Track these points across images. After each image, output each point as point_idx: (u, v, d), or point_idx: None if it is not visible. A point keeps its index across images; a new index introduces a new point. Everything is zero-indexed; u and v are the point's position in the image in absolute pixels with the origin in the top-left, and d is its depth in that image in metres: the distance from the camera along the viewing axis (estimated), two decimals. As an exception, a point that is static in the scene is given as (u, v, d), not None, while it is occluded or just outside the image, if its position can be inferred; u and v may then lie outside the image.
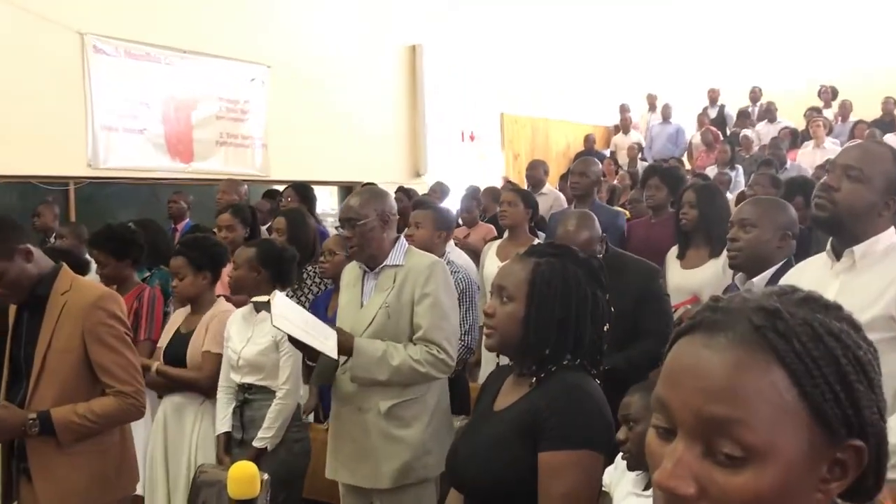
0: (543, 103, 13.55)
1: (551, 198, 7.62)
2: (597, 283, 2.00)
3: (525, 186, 8.85)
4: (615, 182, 10.25)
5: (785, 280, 2.51)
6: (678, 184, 4.98)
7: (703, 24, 15.16)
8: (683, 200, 4.18)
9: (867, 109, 11.68)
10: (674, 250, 4.31)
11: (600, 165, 5.46)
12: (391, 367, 2.96)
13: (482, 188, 9.63)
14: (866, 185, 2.26)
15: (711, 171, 9.77)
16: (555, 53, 13.67)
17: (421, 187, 9.99)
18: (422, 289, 3.03)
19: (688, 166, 12.07)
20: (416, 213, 4.40)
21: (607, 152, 13.78)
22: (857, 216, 2.27)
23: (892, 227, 2.33)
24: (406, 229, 4.31)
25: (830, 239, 2.37)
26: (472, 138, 12.30)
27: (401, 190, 8.01)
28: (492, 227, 6.59)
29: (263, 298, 2.90)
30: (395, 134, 11.09)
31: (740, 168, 10.18)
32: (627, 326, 3.26)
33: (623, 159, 12.69)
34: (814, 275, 2.38)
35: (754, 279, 2.88)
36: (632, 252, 3.93)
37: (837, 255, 2.34)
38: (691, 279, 4.04)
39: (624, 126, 13.76)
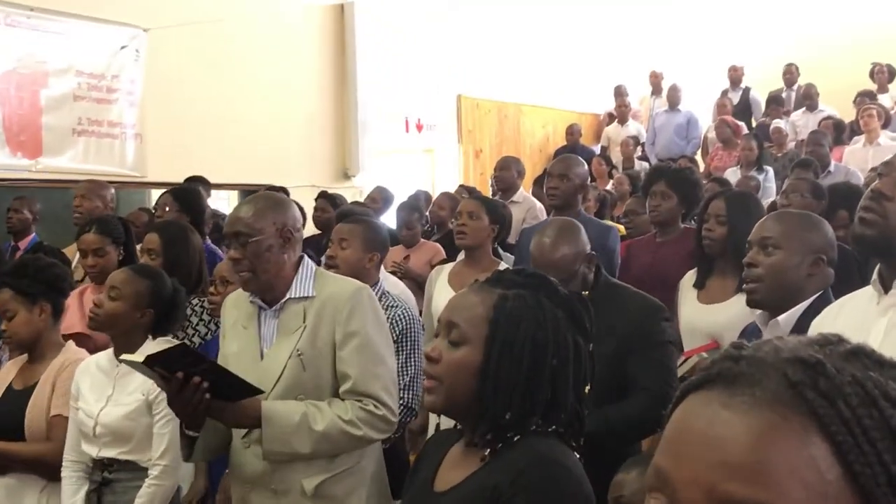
0: (514, 83, 13.69)
1: (525, 207, 7.68)
2: (578, 328, 1.99)
3: (490, 192, 8.91)
4: (608, 187, 10.37)
5: (820, 320, 2.53)
6: (692, 191, 5.06)
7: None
8: (709, 213, 4.26)
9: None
10: (690, 277, 4.36)
11: (586, 166, 5.52)
12: (315, 435, 2.95)
13: (431, 195, 9.73)
14: None
15: (732, 175, 9.93)
16: (530, 18, 13.84)
17: (350, 193, 10.01)
18: (345, 326, 3.04)
19: (701, 167, 12.26)
20: (340, 227, 4.40)
21: (597, 148, 13.95)
22: None
23: None
24: (328, 250, 4.29)
25: (878, 265, 2.40)
26: (419, 128, 12.36)
27: (323, 197, 8.00)
28: (438, 247, 6.65)
29: (133, 357, 2.81)
30: (315, 122, 11.09)
31: (770, 170, 10.37)
32: (611, 379, 3.27)
33: (617, 157, 12.87)
34: (855, 312, 2.40)
35: (779, 318, 2.92)
36: (629, 282, 3.95)
37: (886, 286, 2.35)
38: (712, 318, 4.09)
39: (620, 114, 13.98)
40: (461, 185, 10.06)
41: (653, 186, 5.13)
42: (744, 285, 3.05)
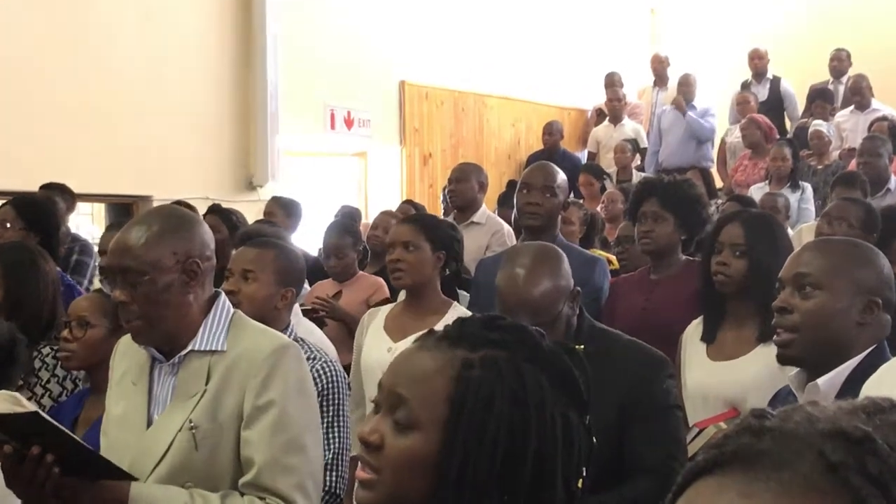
0: (476, 67, 13.75)
1: (488, 230, 7.69)
2: (571, 399, 1.96)
3: (442, 210, 8.94)
4: (598, 207, 10.40)
5: (873, 383, 2.56)
6: (692, 210, 5.08)
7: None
8: (722, 241, 4.30)
9: None
10: (695, 329, 4.39)
11: (563, 177, 5.55)
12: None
13: (363, 212, 9.73)
14: None
15: (758, 193, 10.00)
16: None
17: (255, 208, 9.94)
18: (257, 396, 3.00)
19: (719, 182, 12.37)
20: (243, 253, 4.40)
21: (583, 154, 14.02)
22: None
23: None
24: (225, 283, 4.27)
25: None
26: (348, 124, 12.35)
27: (214, 212, 7.95)
28: (380, 281, 6.63)
29: None
30: (209, 115, 11.05)
31: (808, 187, 10.47)
32: (605, 455, 3.27)
33: (610, 166, 12.92)
34: None
35: (819, 380, 2.93)
36: (620, 328, 3.93)
37: None
38: (729, 378, 4.12)
39: (612, 111, 14.08)
40: (406, 201, 10.05)
41: (642, 206, 5.15)
42: (774, 336, 3.05)
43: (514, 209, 5.65)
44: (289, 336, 4.11)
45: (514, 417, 1.87)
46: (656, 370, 3.56)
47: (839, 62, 13.65)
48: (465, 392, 1.87)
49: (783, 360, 3.06)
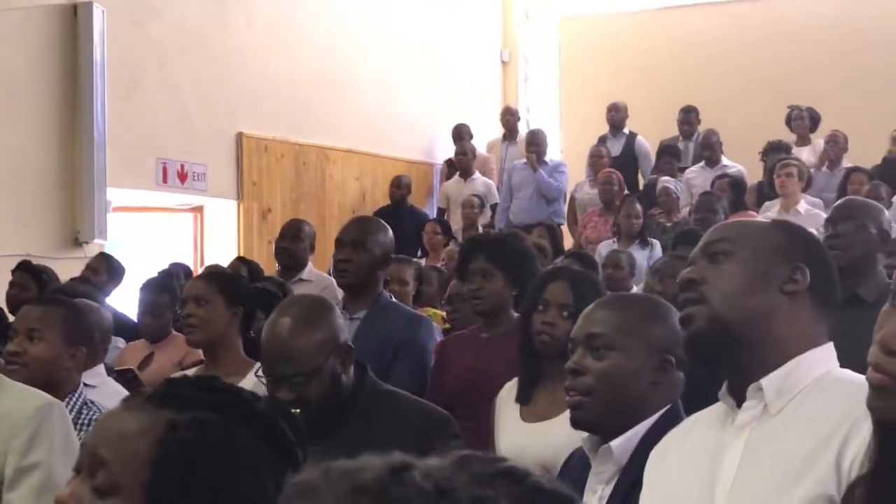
0: (318, 118, 13.75)
1: (317, 287, 7.75)
2: (285, 461, 1.91)
3: (275, 267, 8.88)
4: (439, 263, 10.44)
5: (663, 446, 2.63)
6: (523, 265, 5.10)
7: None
8: (548, 299, 4.30)
9: (874, 145, 12.62)
10: (511, 388, 4.40)
11: (391, 233, 5.56)
12: None
13: (195, 270, 9.62)
14: (739, 265, 2.51)
15: (606, 250, 10.13)
16: (341, 27, 13.99)
17: (82, 265, 9.78)
18: (20, 457, 2.99)
19: (569, 238, 12.51)
20: (28, 312, 4.34)
21: (432, 209, 14.07)
22: (752, 324, 2.48)
23: (827, 346, 2.53)
24: (10, 343, 4.23)
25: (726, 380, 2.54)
26: (182, 177, 12.24)
27: (23, 269, 7.83)
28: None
29: None
30: (29, 165, 10.84)
31: (657, 244, 10.63)
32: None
33: (458, 222, 12.99)
34: (706, 434, 2.52)
35: (612, 443, 2.97)
36: (444, 393, 3.91)
37: (738, 399, 2.49)
38: (542, 441, 4.13)
39: (462, 164, 14.14)
40: (238, 258, 9.98)
41: (469, 264, 5.17)
42: (566, 398, 3.08)
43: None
44: (77, 398, 4.08)
45: (222, 482, 1.84)
46: (438, 430, 3.57)
47: (687, 117, 13.95)
48: (167, 455, 1.84)
49: (576, 423, 3.09)
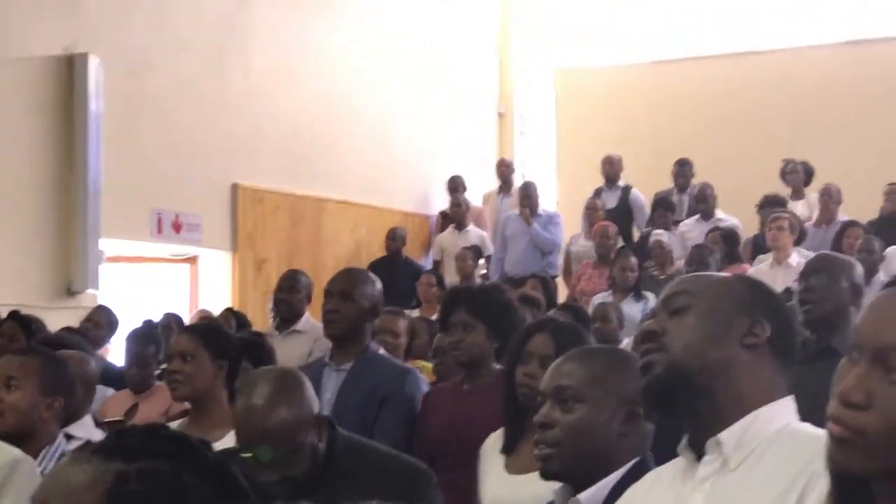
0: (313, 169, 13.77)
1: (310, 338, 7.76)
2: None
3: (271, 319, 8.89)
4: (434, 316, 10.43)
5: (627, 499, 2.65)
6: (504, 317, 5.13)
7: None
8: (531, 351, 4.31)
9: (869, 199, 12.68)
10: (496, 440, 4.41)
11: (379, 284, 5.58)
12: None
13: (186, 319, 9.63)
14: (700, 317, 2.54)
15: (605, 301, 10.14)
16: (335, 79, 14.06)
17: (75, 315, 9.78)
18: None
19: (563, 290, 12.52)
20: (5, 360, 4.36)
21: (428, 261, 14.07)
22: (711, 373, 2.50)
23: (786, 399, 2.55)
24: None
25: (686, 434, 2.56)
26: (177, 228, 12.24)
27: (13, 318, 7.78)
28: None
29: None
30: (23, 215, 10.85)
31: (651, 297, 10.60)
32: None
33: (453, 275, 12.97)
34: (664, 490, 2.54)
35: (581, 495, 2.98)
36: (426, 445, 3.90)
37: (698, 452, 2.51)
38: (524, 493, 4.09)
39: (456, 216, 14.19)
40: (227, 309, 10.00)
41: (451, 316, 5.19)
42: (535, 451, 3.08)
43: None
44: (55, 449, 4.06)
45: None
46: (417, 482, 3.57)
47: (681, 171, 13.98)
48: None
49: (546, 475, 3.09)
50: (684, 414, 2.55)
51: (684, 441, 2.55)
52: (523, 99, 17.31)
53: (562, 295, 12.16)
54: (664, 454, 2.84)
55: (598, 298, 10.59)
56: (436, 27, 15.67)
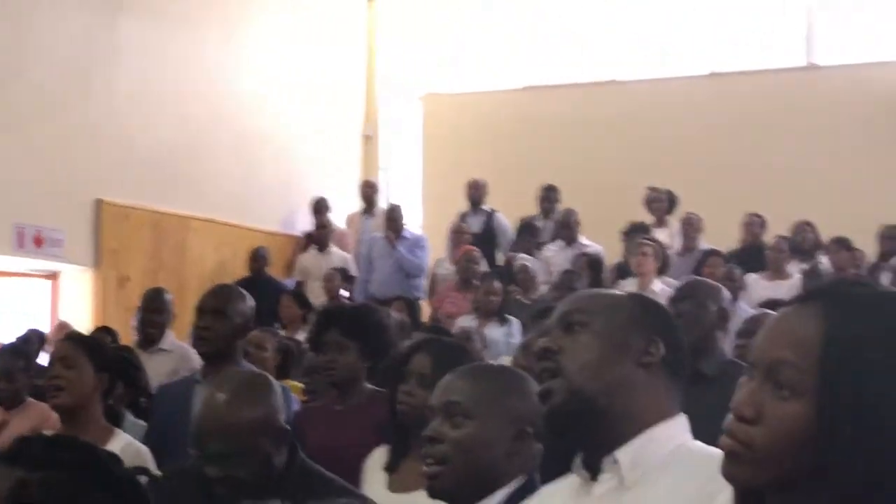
0: (177, 187, 13.65)
1: (175, 358, 7.72)
2: None
3: (134, 337, 8.79)
4: (298, 336, 10.39)
5: None
6: (377, 337, 5.17)
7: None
8: (410, 370, 4.35)
9: (731, 228, 12.98)
10: (379, 457, 4.45)
11: (253, 302, 5.56)
12: None
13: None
14: (596, 336, 2.55)
15: (467, 325, 10.20)
16: (198, 92, 14.00)
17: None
18: None
19: (427, 310, 12.57)
20: None
21: (291, 282, 14.02)
22: (609, 394, 2.51)
23: (680, 418, 2.60)
24: None
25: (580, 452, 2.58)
26: (38, 243, 12.04)
27: None
28: (47, 408, 6.43)
29: None
30: None
31: (515, 322, 10.68)
32: None
33: (319, 295, 12.94)
34: None
35: None
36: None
37: (592, 471, 2.53)
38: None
39: (320, 237, 14.19)
40: (101, 328, 9.81)
41: (323, 336, 5.21)
42: (423, 467, 3.08)
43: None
44: None
45: None
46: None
47: (546, 196, 14.16)
48: None
49: (432, 492, 3.08)
50: (582, 435, 2.56)
51: (578, 460, 2.56)
52: (390, 122, 17.36)
53: (427, 318, 12.20)
54: (550, 473, 2.85)
55: (461, 322, 10.65)
56: (303, 48, 15.65)
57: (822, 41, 16.02)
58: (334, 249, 14.06)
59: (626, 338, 2.56)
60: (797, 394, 1.66)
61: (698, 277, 7.54)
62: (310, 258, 14.13)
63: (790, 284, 11.02)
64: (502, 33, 17.20)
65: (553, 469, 2.85)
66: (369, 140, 17.16)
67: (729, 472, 1.75)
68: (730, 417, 1.74)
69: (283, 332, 10.92)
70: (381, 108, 17.27)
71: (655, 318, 2.65)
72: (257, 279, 13.26)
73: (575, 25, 16.90)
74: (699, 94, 15.84)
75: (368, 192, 15.03)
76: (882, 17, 15.72)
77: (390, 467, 4.36)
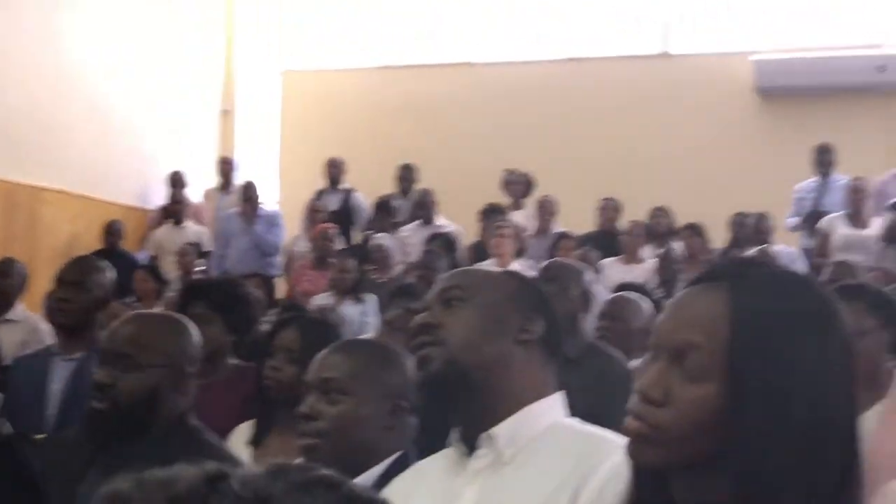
0: (31, 157, 13.39)
1: (25, 329, 7.72)
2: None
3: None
4: (154, 310, 10.31)
5: (392, 492, 2.64)
6: (241, 312, 5.17)
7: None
8: (276, 345, 4.38)
9: (587, 212, 13.16)
10: (243, 431, 4.46)
11: (110, 274, 5.51)
12: None
13: None
14: (475, 312, 2.57)
15: (323, 303, 10.21)
16: (57, 62, 13.76)
17: None
18: None
19: (283, 287, 12.54)
20: None
21: (145, 255, 13.86)
22: (487, 369, 2.53)
23: (556, 395, 2.63)
24: None
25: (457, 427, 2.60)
26: None
27: None
28: None
29: None
30: None
31: (372, 300, 10.71)
32: None
33: (172, 269, 12.82)
34: (434, 483, 2.57)
35: None
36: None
37: (469, 446, 2.55)
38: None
39: (175, 212, 14.05)
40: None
41: (187, 310, 5.13)
42: (300, 441, 3.09)
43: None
44: None
45: None
46: None
47: (404, 176, 14.26)
48: None
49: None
50: (458, 408, 2.58)
51: (455, 434, 2.57)
52: (249, 98, 17.23)
53: (282, 295, 12.17)
54: (426, 448, 2.88)
55: (318, 299, 10.65)
56: (161, 19, 15.44)
57: (678, 30, 16.25)
58: (189, 224, 13.95)
59: (505, 315, 2.58)
60: (706, 375, 1.68)
61: (561, 259, 7.62)
62: (164, 232, 14.00)
63: (644, 268, 11.25)
64: (362, 11, 17.17)
65: (430, 444, 2.88)
66: (227, 115, 17.01)
67: (635, 453, 1.76)
68: (633, 398, 1.75)
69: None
70: (239, 83, 17.10)
71: (533, 297, 2.68)
72: (111, 252, 13.04)
73: (434, 6, 16.93)
74: (557, 79, 15.97)
75: (225, 168, 14.96)
76: (738, 8, 16.03)
77: (255, 442, 4.35)
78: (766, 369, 1.65)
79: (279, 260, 13.54)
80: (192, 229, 13.90)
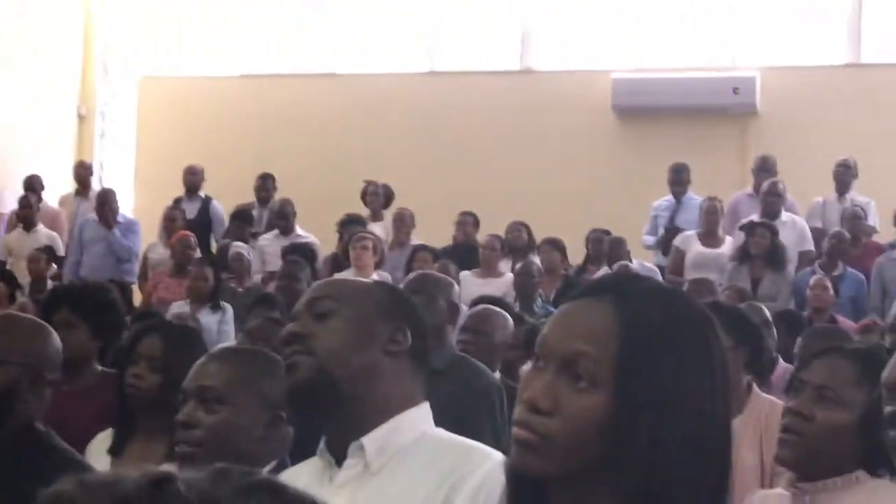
0: None
1: None
2: None
3: None
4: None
5: None
6: (107, 317, 5.10)
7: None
8: (139, 352, 4.32)
9: (445, 225, 13.22)
10: (103, 440, 4.37)
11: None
12: None
13: None
14: (345, 323, 2.60)
15: (180, 311, 10.12)
16: None
17: None
18: None
19: (138, 295, 12.41)
20: None
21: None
22: (355, 379, 2.56)
23: (424, 405, 2.65)
24: None
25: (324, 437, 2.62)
26: None
27: None
28: None
29: None
30: None
31: (229, 308, 10.65)
32: None
33: (24, 275, 12.56)
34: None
35: None
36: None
37: (337, 456, 2.56)
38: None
39: (25, 217, 13.68)
40: None
41: (52, 315, 5.02)
42: (176, 449, 3.07)
43: None
44: None
45: None
46: None
47: (262, 185, 14.17)
48: None
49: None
50: (326, 418, 2.59)
51: (323, 444, 2.59)
52: (105, 103, 17.00)
53: (137, 302, 12.01)
54: (294, 457, 2.88)
55: (175, 307, 10.55)
56: (16, 20, 15.18)
57: (538, 46, 16.44)
58: (41, 228, 13.60)
59: (375, 325, 2.61)
60: (595, 385, 1.69)
61: (428, 272, 7.65)
62: (15, 237, 13.66)
63: (502, 282, 11.32)
64: (223, 20, 17.07)
65: (297, 454, 2.87)
66: (84, 120, 16.78)
67: (521, 463, 1.75)
68: (519, 408, 1.74)
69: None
70: (98, 88, 16.87)
71: (402, 307, 2.70)
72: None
73: (297, 17, 16.90)
74: (418, 92, 16.07)
75: (83, 173, 14.70)
76: (598, 27, 16.28)
77: (114, 451, 4.28)
78: (653, 378, 1.68)
79: (135, 267, 13.33)
80: (45, 234, 13.57)
